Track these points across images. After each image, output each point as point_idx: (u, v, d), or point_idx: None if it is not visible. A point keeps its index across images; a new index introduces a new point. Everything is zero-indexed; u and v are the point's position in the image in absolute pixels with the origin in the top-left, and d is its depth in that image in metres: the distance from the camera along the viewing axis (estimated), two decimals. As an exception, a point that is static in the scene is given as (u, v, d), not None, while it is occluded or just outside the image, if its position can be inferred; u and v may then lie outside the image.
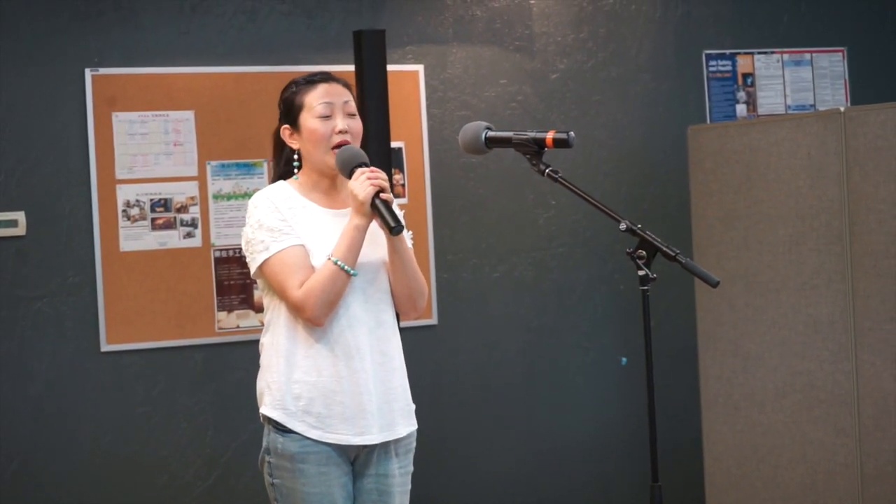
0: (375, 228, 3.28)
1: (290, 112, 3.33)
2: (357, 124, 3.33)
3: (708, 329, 5.24)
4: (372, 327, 3.27)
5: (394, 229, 3.17)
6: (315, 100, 3.29)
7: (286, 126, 3.34)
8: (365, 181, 3.18)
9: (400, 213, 3.29)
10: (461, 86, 5.70)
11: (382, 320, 3.30)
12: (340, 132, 3.28)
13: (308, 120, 3.29)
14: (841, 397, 4.81)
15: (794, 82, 6.23)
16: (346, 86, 3.36)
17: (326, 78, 3.34)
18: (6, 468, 5.02)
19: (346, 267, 3.18)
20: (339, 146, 3.27)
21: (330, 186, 3.34)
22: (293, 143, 3.34)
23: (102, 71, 5.15)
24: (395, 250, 3.29)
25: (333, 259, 3.18)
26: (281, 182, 3.35)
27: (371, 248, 3.28)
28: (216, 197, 5.27)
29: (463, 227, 5.71)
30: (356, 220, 3.20)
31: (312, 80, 3.33)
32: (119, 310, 5.14)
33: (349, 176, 3.23)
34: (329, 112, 3.29)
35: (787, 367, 4.97)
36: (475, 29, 5.74)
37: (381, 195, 3.18)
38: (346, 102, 3.32)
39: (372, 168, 3.22)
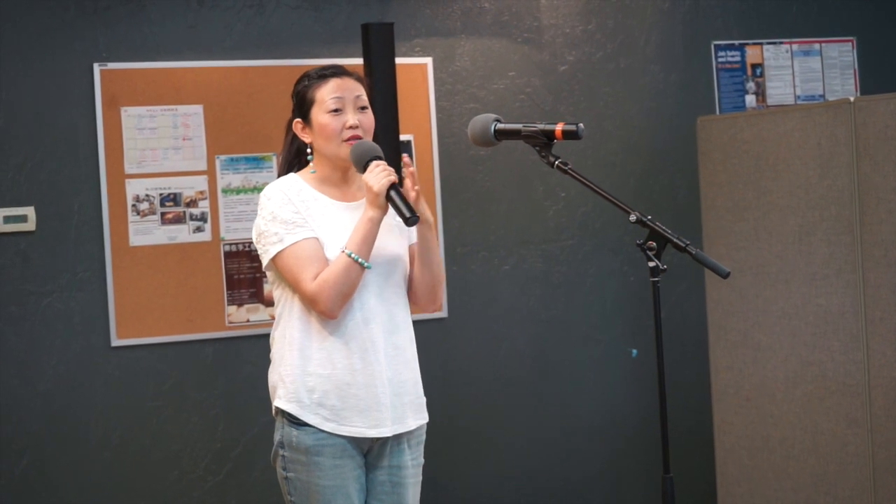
0: (393, 222, 3.29)
1: (301, 106, 3.34)
2: (368, 118, 3.33)
3: (718, 320, 5.23)
4: (385, 321, 3.28)
5: (409, 220, 3.17)
6: (326, 95, 3.29)
7: (298, 120, 3.35)
8: (380, 173, 3.18)
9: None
10: (470, 78, 5.69)
11: (395, 313, 3.31)
12: (351, 127, 3.28)
13: (319, 115, 3.29)
14: (852, 388, 4.80)
15: (803, 72, 6.21)
16: (359, 79, 3.36)
17: (338, 72, 3.34)
18: (17, 464, 5.03)
19: (359, 259, 3.18)
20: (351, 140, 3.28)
21: (342, 179, 3.34)
22: (305, 137, 3.34)
23: (111, 66, 5.15)
24: (424, 239, 3.31)
25: (347, 251, 3.18)
26: (292, 175, 3.36)
27: (387, 241, 3.29)
28: (225, 191, 5.27)
29: (472, 220, 5.70)
30: (370, 212, 3.20)
31: (324, 75, 3.33)
32: (129, 305, 5.15)
33: (363, 170, 3.23)
34: (340, 106, 3.29)
35: (797, 358, 4.96)
36: (483, 21, 5.73)
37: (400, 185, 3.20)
38: (357, 97, 3.32)
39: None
